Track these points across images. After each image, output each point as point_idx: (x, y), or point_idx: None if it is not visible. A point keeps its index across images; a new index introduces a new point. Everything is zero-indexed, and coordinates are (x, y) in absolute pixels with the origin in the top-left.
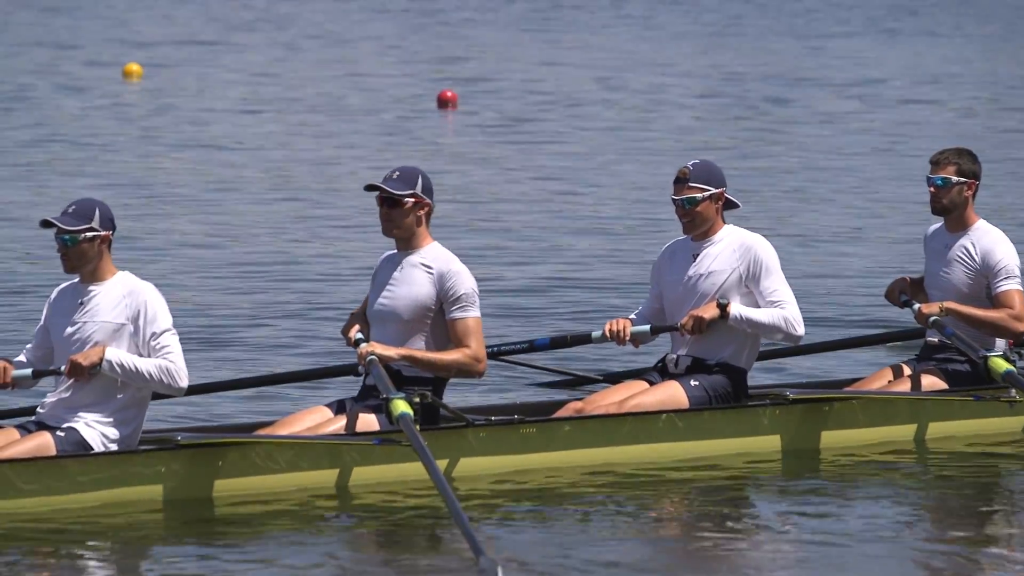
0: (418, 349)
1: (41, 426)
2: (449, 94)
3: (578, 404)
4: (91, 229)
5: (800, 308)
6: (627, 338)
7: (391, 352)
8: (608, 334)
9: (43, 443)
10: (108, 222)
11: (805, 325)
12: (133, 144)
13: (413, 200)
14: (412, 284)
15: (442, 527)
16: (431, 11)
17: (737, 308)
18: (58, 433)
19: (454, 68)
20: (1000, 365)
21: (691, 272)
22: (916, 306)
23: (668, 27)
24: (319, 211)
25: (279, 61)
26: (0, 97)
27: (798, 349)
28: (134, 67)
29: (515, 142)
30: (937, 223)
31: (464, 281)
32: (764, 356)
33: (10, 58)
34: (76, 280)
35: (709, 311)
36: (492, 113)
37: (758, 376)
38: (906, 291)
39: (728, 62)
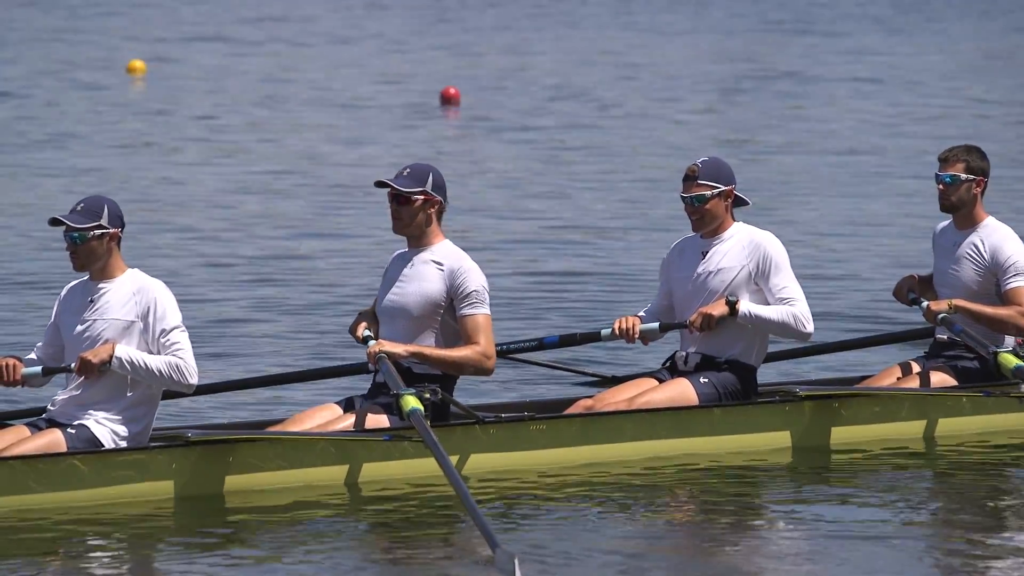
0: (427, 346)
1: (52, 424)
2: (452, 91)
3: (588, 401)
4: (100, 227)
5: (809, 305)
6: (636, 336)
7: (400, 349)
8: (617, 332)
9: (54, 440)
10: (117, 219)
11: (814, 322)
12: (138, 140)
13: (423, 198)
14: (422, 280)
15: (455, 521)
16: (435, 8)
17: (746, 305)
18: (69, 430)
19: (458, 65)
20: (1010, 361)
21: (700, 269)
22: (925, 304)
23: (673, 23)
24: (326, 208)
25: (283, 57)
26: (4, 94)
27: (807, 348)
28: (138, 63)
29: (520, 139)
30: (946, 220)
31: (474, 278)
32: (774, 356)
33: (14, 55)
34: (86, 278)
35: (718, 308)
36: (496, 110)
37: (768, 374)
38: (914, 289)
39: (735, 59)
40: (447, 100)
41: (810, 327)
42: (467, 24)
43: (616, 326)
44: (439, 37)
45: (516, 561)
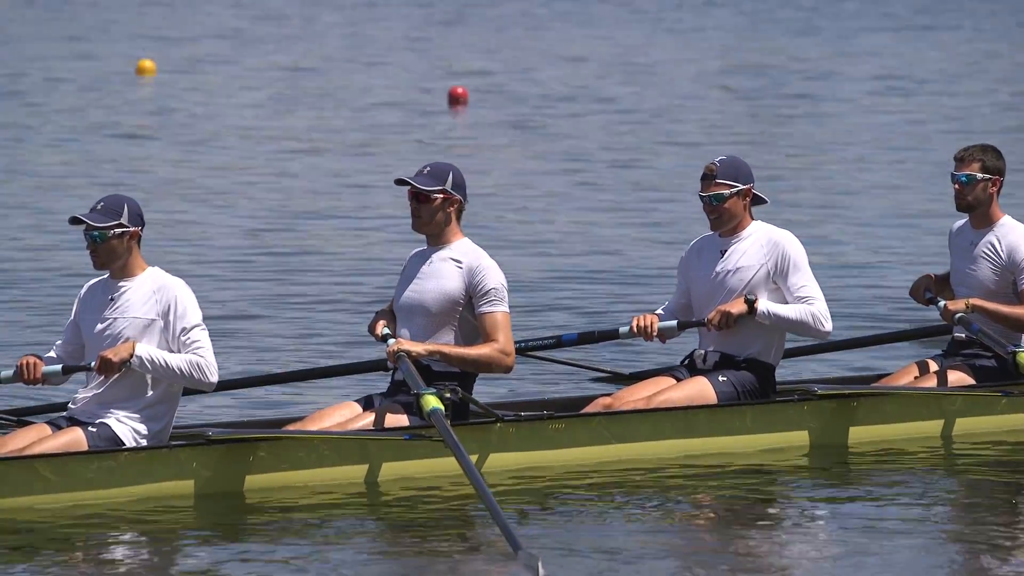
0: (446, 344)
1: (72, 422)
2: (460, 90)
3: (607, 400)
4: (120, 225)
5: (827, 304)
6: (654, 334)
7: (419, 348)
8: (635, 330)
9: (75, 439)
10: (137, 218)
11: (832, 321)
12: (149, 140)
13: (442, 196)
14: (441, 278)
15: (476, 522)
16: (442, 5)
17: (764, 304)
18: (90, 429)
19: (465, 64)
20: None
21: (719, 268)
22: (942, 303)
23: (685, 22)
24: (341, 206)
25: (291, 56)
26: (15, 92)
27: (825, 346)
28: (148, 63)
29: (531, 137)
30: (962, 219)
31: (494, 276)
32: (791, 353)
33: (24, 54)
34: (106, 276)
35: (737, 306)
36: (504, 109)
37: (785, 372)
38: (931, 288)
39: (750, 57)
40: (455, 99)
41: (828, 325)
42: (474, 23)
43: (634, 324)
44: (446, 36)
45: (539, 563)
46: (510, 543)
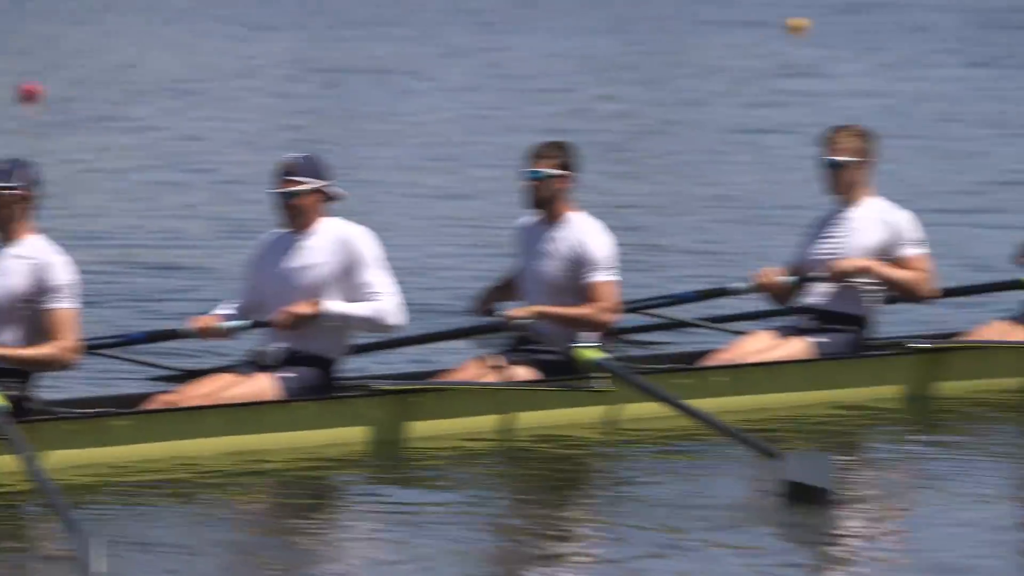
0: (9, 343)
1: None
2: (32, 87)
3: (171, 397)
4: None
5: (403, 299)
6: (215, 334)
7: None
8: (196, 331)
9: None
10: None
11: (403, 317)
12: None
13: (14, 192)
14: (8, 275)
15: (39, 518)
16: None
17: (329, 304)
18: None
19: (34, 60)
20: (588, 354)
21: (288, 265)
22: (505, 313)
23: (252, 17)
24: None
25: None
26: None
27: (391, 342)
28: None
29: (110, 134)
30: (528, 215)
31: (62, 272)
32: (364, 349)
33: None
34: None
35: (302, 307)
36: (82, 104)
37: (356, 367)
38: (490, 300)
39: (326, 55)
40: (28, 96)
41: (397, 320)
42: (41, 16)
43: (194, 324)
44: (11, 29)
45: (97, 546)
46: (73, 538)
